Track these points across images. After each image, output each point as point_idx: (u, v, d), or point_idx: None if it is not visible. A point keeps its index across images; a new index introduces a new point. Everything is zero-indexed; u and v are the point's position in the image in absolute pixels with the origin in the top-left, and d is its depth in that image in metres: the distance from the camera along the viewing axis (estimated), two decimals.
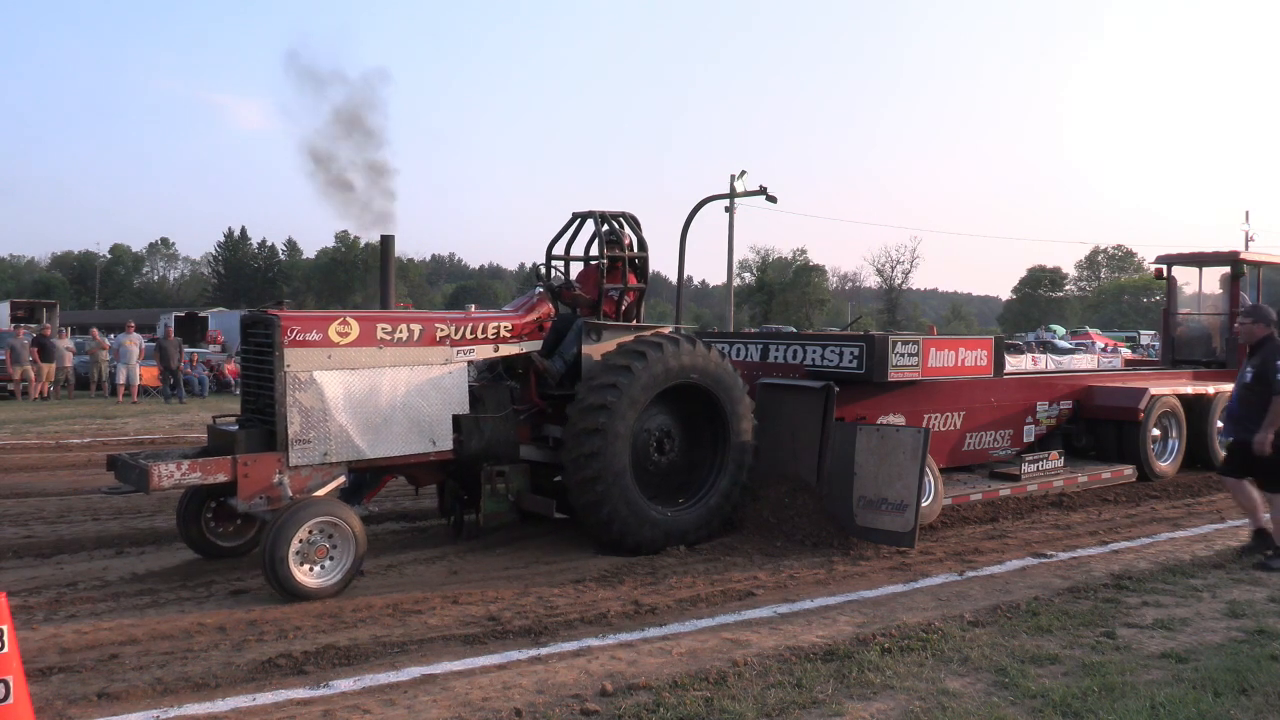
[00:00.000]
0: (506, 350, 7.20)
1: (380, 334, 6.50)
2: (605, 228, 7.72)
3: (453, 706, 4.23)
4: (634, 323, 7.87)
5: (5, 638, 3.40)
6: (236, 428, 6.40)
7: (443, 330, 6.83)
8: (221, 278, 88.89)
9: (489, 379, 7.37)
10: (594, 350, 7.29)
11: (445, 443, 6.74)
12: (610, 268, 7.75)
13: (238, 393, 23.95)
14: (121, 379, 21.27)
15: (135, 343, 21.73)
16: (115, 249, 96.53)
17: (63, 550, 7.09)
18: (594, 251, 7.82)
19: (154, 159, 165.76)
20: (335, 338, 6.32)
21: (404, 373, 6.57)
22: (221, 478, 5.94)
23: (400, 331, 6.60)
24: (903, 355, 8.33)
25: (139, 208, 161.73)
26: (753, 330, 34.25)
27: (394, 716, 4.15)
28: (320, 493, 6.13)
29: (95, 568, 6.60)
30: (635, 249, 7.84)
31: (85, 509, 8.60)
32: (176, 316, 34.44)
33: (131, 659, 4.78)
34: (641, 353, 7.05)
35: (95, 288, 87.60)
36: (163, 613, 5.57)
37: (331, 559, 5.93)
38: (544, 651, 4.96)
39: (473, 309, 7.33)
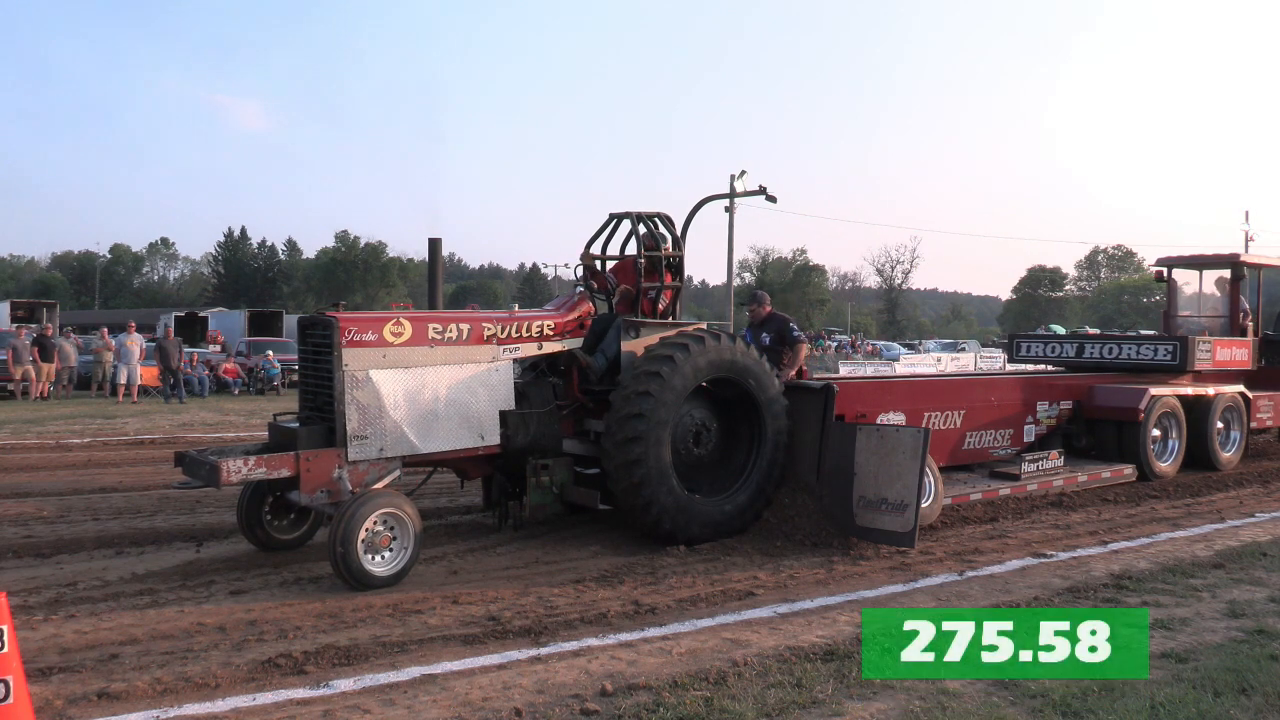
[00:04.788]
0: (550, 348, 7.41)
1: (431, 334, 6.72)
2: (642, 228, 7.90)
3: (453, 706, 4.23)
4: (671, 320, 8.04)
5: (5, 638, 3.40)
6: (297, 425, 6.61)
7: (490, 329, 7.03)
8: (221, 278, 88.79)
9: (533, 376, 7.52)
10: (633, 346, 7.47)
11: (493, 437, 6.95)
12: (647, 267, 7.90)
13: (237, 393, 24.12)
14: (122, 379, 21.29)
15: (136, 343, 21.75)
16: (115, 249, 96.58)
17: (63, 550, 7.09)
18: (630, 251, 8.02)
19: (154, 159, 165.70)
20: (390, 338, 6.53)
21: (454, 371, 6.79)
22: (285, 473, 6.14)
23: (450, 331, 6.81)
24: (1202, 351, 11.53)
25: (139, 208, 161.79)
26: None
27: (394, 716, 4.15)
28: (377, 486, 6.31)
29: (95, 568, 6.60)
30: (671, 248, 8.00)
31: (85, 509, 8.60)
32: (176, 316, 34.42)
33: (131, 659, 4.78)
34: (684, 345, 7.22)
35: (95, 288, 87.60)
36: (163, 613, 5.56)
37: (393, 548, 6.13)
38: (544, 651, 4.97)
39: (516, 309, 7.50)
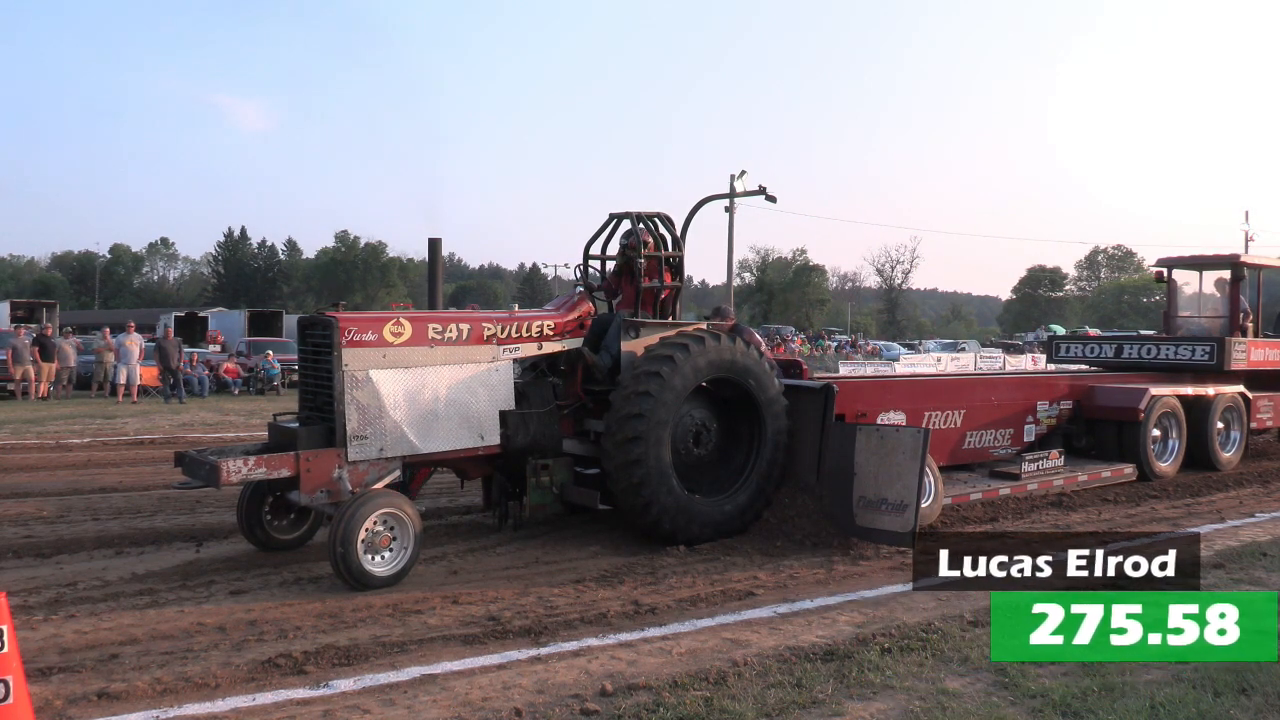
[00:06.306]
0: (550, 348, 7.42)
1: (431, 334, 6.73)
2: (641, 228, 7.91)
3: (453, 706, 4.23)
4: (670, 319, 8.05)
5: (5, 638, 3.40)
6: (297, 425, 6.62)
7: (489, 329, 7.04)
8: (221, 278, 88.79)
9: (533, 376, 7.53)
10: (633, 346, 7.48)
11: (493, 437, 6.95)
12: (647, 266, 7.91)
13: (237, 393, 24.11)
14: (122, 379, 21.29)
15: (136, 343, 21.74)
16: (115, 249, 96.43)
17: (63, 550, 7.09)
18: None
19: (154, 159, 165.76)
20: (389, 338, 6.54)
21: (454, 371, 6.79)
22: (285, 473, 6.15)
23: (450, 331, 6.82)
24: (1238, 351, 11.81)
25: (139, 208, 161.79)
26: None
27: (394, 716, 4.15)
28: (377, 486, 6.33)
29: (95, 568, 6.60)
30: (670, 248, 8.01)
31: (85, 509, 8.59)
32: (176, 316, 34.38)
33: (131, 659, 4.78)
34: (684, 345, 7.23)
35: (95, 288, 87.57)
36: (163, 613, 5.57)
37: (393, 548, 6.15)
38: (544, 651, 4.97)
39: (516, 309, 7.51)
